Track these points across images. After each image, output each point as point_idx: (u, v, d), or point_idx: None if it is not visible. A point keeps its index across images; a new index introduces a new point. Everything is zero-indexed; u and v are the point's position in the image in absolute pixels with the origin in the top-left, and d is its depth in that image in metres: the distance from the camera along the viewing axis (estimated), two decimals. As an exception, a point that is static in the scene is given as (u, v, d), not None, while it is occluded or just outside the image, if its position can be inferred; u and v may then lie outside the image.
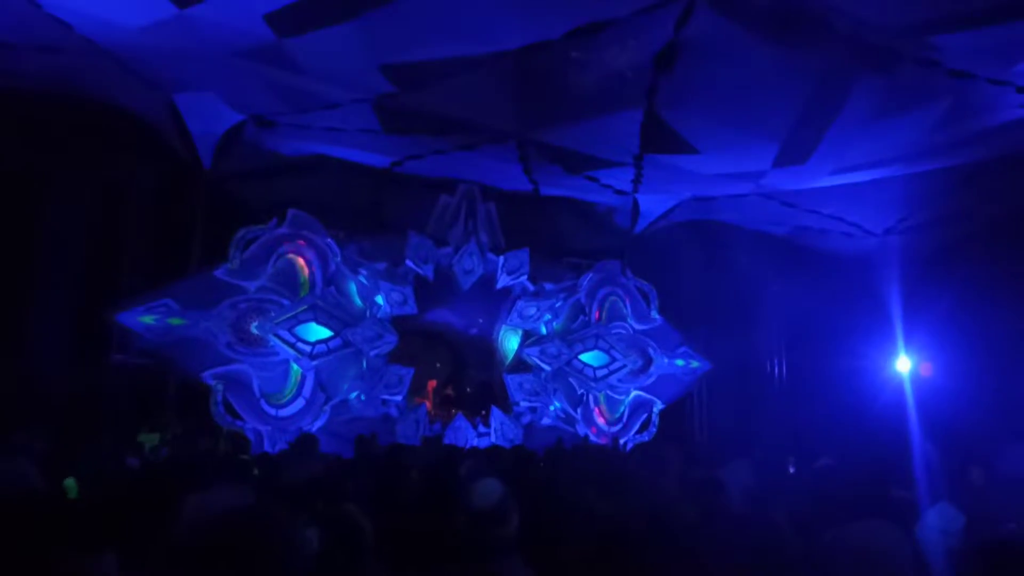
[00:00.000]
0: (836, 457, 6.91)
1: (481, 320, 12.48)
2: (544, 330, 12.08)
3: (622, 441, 11.92)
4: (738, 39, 6.64)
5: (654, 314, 12.92)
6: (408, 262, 10.97)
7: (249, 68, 7.72)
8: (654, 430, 12.53)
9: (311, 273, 10.22)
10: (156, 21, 6.70)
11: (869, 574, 2.02)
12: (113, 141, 9.26)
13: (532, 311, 11.89)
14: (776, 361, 14.11)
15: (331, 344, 10.08)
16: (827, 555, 2.11)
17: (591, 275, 12.49)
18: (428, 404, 11.49)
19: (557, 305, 12.16)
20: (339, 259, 10.50)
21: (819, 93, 7.57)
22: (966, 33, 6.29)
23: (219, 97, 8.63)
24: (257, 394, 9.56)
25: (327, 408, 10.09)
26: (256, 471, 5.45)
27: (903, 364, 12.11)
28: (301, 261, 10.17)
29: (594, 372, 12.06)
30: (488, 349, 12.67)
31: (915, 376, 11.90)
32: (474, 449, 8.61)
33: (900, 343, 12.08)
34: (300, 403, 9.90)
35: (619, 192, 11.32)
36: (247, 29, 6.79)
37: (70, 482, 4.52)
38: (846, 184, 10.03)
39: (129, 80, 8.13)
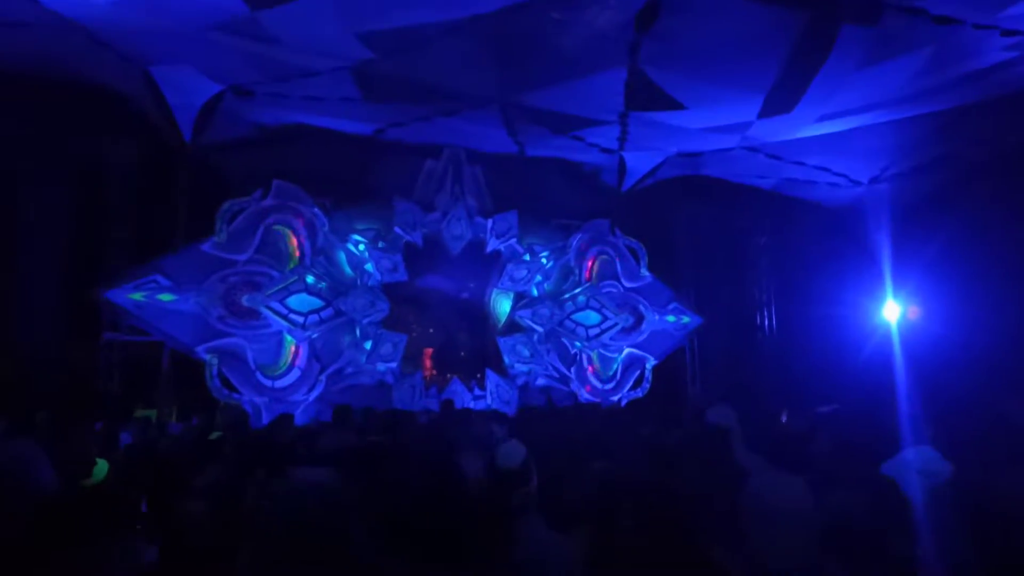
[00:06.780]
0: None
1: (472, 284, 12.48)
2: (535, 292, 12.12)
3: (616, 397, 12.07)
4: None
5: (644, 271, 12.98)
6: (397, 229, 10.95)
7: (225, 41, 7.58)
8: (647, 386, 12.68)
9: (299, 243, 10.18)
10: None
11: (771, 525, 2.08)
12: (93, 117, 9.11)
13: (522, 273, 11.91)
14: (766, 313, 14.22)
15: (323, 314, 10.10)
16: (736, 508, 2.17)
17: (580, 235, 12.51)
18: (423, 370, 11.55)
19: (547, 266, 12.18)
20: (327, 228, 10.46)
21: (804, 44, 7.50)
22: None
23: (196, 68, 8.48)
24: (252, 366, 9.60)
25: (323, 378, 10.14)
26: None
27: (892, 311, 12.22)
28: (289, 232, 10.13)
29: (586, 331, 12.14)
30: (480, 313, 12.69)
31: (904, 323, 12.02)
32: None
33: (889, 291, 12.18)
34: (296, 374, 9.95)
35: (605, 151, 11.25)
36: (220, 2, 6.67)
37: (102, 465, 4.27)
38: (831, 134, 10.00)
39: (104, 54, 7.97)
